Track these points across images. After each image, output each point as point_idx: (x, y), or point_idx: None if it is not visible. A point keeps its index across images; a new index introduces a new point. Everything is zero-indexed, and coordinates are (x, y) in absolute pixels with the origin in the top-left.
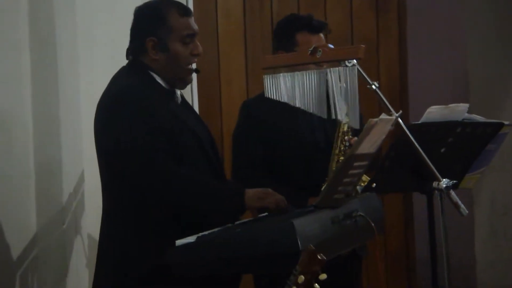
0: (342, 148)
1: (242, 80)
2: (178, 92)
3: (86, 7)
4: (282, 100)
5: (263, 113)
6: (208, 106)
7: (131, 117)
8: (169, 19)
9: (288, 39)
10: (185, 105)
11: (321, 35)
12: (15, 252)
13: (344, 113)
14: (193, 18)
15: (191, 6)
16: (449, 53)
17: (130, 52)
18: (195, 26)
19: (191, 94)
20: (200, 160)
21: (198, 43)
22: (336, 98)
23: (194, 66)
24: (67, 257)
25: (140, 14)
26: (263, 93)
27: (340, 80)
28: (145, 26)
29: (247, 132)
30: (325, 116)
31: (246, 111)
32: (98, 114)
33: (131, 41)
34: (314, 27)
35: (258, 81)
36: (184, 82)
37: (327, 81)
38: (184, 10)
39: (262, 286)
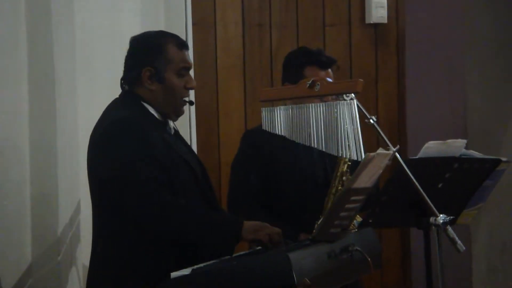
0: (339, 188)
1: (241, 112)
2: (171, 123)
3: (85, 39)
4: (279, 133)
5: (264, 144)
6: (206, 138)
7: (125, 147)
8: (167, 50)
9: (296, 73)
10: (178, 136)
11: (330, 71)
12: (10, 282)
13: (343, 148)
14: (188, 52)
15: (191, 38)
16: (448, 88)
17: (125, 82)
18: (191, 60)
19: (189, 125)
20: (194, 190)
21: (192, 78)
22: (335, 132)
23: (187, 98)
24: (63, 287)
25: (137, 44)
26: None
27: (339, 115)
28: (142, 56)
29: (247, 162)
30: (325, 150)
31: (247, 141)
32: (92, 145)
33: (126, 71)
34: (324, 62)
35: (256, 114)
36: (177, 113)
37: (327, 114)
38: (181, 43)
39: None
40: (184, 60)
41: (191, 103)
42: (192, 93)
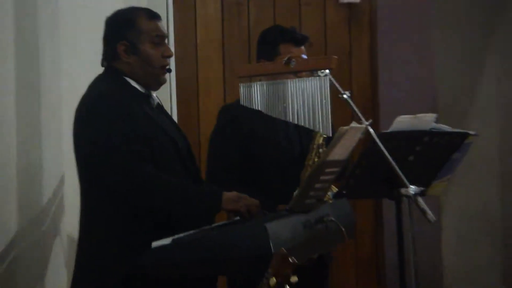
0: (315, 160)
1: (220, 87)
2: (154, 95)
3: (69, 19)
4: (256, 108)
5: (241, 119)
6: (186, 112)
7: (108, 122)
8: (137, 22)
9: (271, 49)
10: (161, 109)
11: (303, 48)
12: None
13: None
14: (161, 22)
15: (171, 15)
16: (418, 64)
17: (104, 59)
18: (164, 29)
19: (170, 100)
20: (176, 162)
21: (168, 46)
22: (309, 107)
23: (167, 67)
24: (47, 257)
25: (110, 21)
26: None
27: (313, 90)
28: (115, 31)
29: (225, 136)
30: (299, 123)
31: (225, 115)
32: (76, 120)
33: (104, 48)
34: (297, 39)
35: (235, 89)
36: (158, 82)
37: (302, 90)
38: (151, 14)
39: None
40: (157, 29)
41: (168, 70)
42: (172, 67)
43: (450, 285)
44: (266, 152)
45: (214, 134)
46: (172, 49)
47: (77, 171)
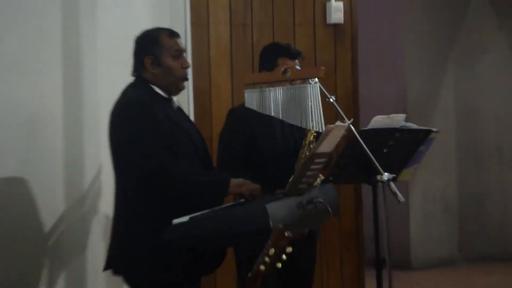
0: (307, 154)
1: (228, 93)
2: (175, 99)
3: (106, 36)
4: (259, 111)
5: (246, 119)
6: (201, 113)
7: (136, 121)
8: (161, 40)
9: (271, 62)
10: (180, 111)
11: (297, 60)
12: (46, 228)
13: (308, 121)
14: (180, 39)
15: (189, 34)
16: (392, 74)
17: (133, 70)
18: (182, 45)
19: (187, 103)
20: (192, 154)
21: (186, 59)
22: (302, 109)
23: (185, 76)
24: (87, 232)
25: (138, 39)
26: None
27: (305, 94)
28: (143, 47)
29: (232, 134)
30: (293, 123)
31: (232, 117)
32: (111, 120)
33: (134, 62)
34: (292, 54)
35: (240, 95)
36: (178, 89)
37: (296, 95)
38: (172, 32)
39: (242, 258)
40: (176, 45)
41: (186, 79)
42: (190, 77)
43: (416, 254)
44: (265, 146)
45: (223, 131)
46: (189, 61)
47: (111, 162)
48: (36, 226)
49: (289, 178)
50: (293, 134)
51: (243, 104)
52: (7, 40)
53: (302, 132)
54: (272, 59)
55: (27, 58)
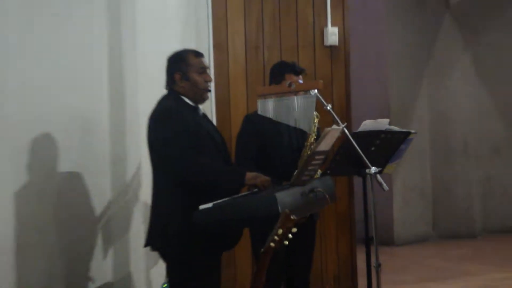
0: (308, 152)
1: (244, 103)
2: (201, 107)
3: (144, 55)
4: (269, 117)
5: (258, 124)
6: (222, 119)
7: (170, 125)
8: (188, 59)
9: (280, 77)
10: (205, 117)
11: (301, 76)
12: (97, 212)
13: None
14: (204, 58)
15: (212, 56)
16: (377, 86)
17: (166, 84)
18: (206, 63)
19: (211, 111)
20: (214, 152)
21: (209, 74)
22: (304, 114)
23: (209, 88)
24: (130, 217)
25: (170, 58)
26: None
27: (306, 103)
28: (173, 65)
29: (246, 137)
30: (298, 126)
31: (247, 122)
32: (149, 124)
33: (166, 77)
34: (297, 71)
35: (254, 103)
36: (203, 99)
37: (299, 103)
38: (197, 52)
39: (256, 237)
40: (201, 62)
41: (209, 90)
42: (212, 89)
43: (398, 233)
44: (274, 146)
45: (240, 134)
46: (212, 76)
47: (149, 158)
48: (89, 212)
49: (294, 172)
50: (297, 136)
51: (256, 111)
52: (64, 64)
53: (304, 134)
54: (280, 74)
55: (81, 75)
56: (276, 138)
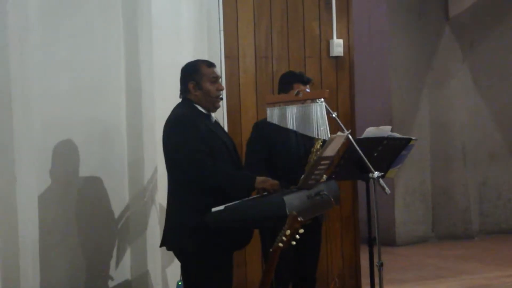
0: (314, 158)
1: (254, 110)
2: (213, 115)
3: (160, 66)
4: (277, 123)
5: (267, 131)
6: (233, 126)
7: (184, 132)
8: (201, 69)
9: (288, 86)
10: (217, 124)
11: (307, 85)
12: (116, 214)
13: (317, 132)
14: (216, 68)
15: (223, 66)
16: (380, 95)
17: (181, 93)
18: (218, 73)
19: (223, 118)
20: (225, 156)
21: (221, 83)
22: (312, 122)
23: (221, 97)
24: (147, 217)
25: (184, 69)
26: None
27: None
28: (187, 75)
29: (256, 143)
30: (305, 133)
31: (256, 129)
32: (165, 131)
33: (180, 86)
34: (304, 80)
35: (263, 111)
36: (215, 107)
37: (307, 111)
38: (209, 63)
39: (265, 238)
40: (213, 72)
41: (221, 99)
42: (224, 97)
43: (399, 234)
44: (282, 152)
45: (250, 140)
46: (224, 85)
47: (165, 163)
48: (108, 213)
49: (300, 176)
50: (304, 143)
51: (265, 118)
52: (84, 75)
53: (310, 141)
54: (289, 84)
55: (100, 85)
56: (284, 145)
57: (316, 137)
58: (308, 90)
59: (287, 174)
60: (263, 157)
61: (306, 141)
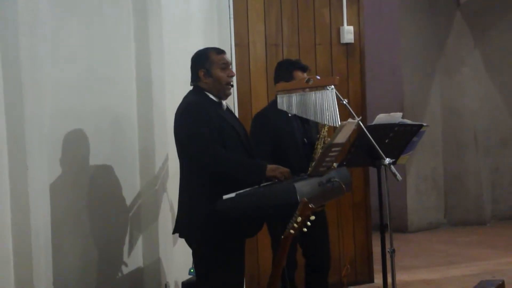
0: (322, 144)
1: (264, 97)
2: (224, 102)
3: (170, 54)
4: (288, 111)
5: (271, 121)
6: (244, 113)
7: (195, 119)
8: (210, 56)
9: (288, 74)
10: (229, 111)
11: (305, 73)
12: (127, 202)
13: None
14: (226, 54)
15: (234, 53)
16: (391, 81)
17: (191, 81)
18: (228, 59)
19: (233, 106)
20: (237, 144)
21: (231, 70)
22: (323, 109)
23: (232, 83)
24: (158, 205)
25: (194, 57)
26: (268, 106)
27: (324, 98)
28: (197, 63)
29: (262, 134)
30: (316, 120)
31: (260, 120)
32: (176, 119)
33: (191, 74)
34: (303, 68)
35: (273, 98)
36: (226, 94)
37: (317, 98)
38: (219, 50)
39: (271, 225)
40: (223, 59)
41: (231, 85)
42: (234, 84)
43: (411, 221)
44: (287, 140)
45: (254, 131)
46: (234, 68)
47: (176, 151)
48: (120, 201)
49: (306, 163)
50: (310, 131)
51: (266, 107)
52: (95, 65)
53: (314, 127)
54: (288, 72)
55: (111, 74)
56: (289, 132)
57: (327, 124)
58: (318, 77)
59: (292, 161)
60: (269, 148)
61: (313, 130)
